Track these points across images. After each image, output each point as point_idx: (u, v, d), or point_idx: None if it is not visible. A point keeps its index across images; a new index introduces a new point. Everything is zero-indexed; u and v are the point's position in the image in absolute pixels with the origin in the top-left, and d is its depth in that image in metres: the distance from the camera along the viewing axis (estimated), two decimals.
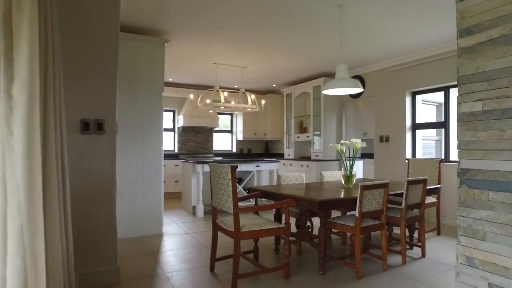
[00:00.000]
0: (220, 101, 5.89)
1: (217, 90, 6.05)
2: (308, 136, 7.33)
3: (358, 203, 2.92)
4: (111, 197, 2.75)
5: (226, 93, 5.78)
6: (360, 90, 3.69)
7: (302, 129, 7.74)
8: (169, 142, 8.24)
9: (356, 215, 2.93)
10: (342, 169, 3.79)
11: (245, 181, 5.96)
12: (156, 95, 4.37)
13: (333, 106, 7.05)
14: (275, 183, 6.23)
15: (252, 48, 5.30)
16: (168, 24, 4.28)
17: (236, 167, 2.72)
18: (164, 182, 6.99)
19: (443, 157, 5.39)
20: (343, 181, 3.77)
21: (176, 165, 7.53)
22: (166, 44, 4.46)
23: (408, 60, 5.68)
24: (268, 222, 2.92)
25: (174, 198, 7.41)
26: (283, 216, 2.98)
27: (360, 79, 6.60)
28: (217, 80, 6.41)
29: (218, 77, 6.58)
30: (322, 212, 2.89)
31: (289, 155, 7.88)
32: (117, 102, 2.77)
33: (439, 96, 6.50)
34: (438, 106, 7.44)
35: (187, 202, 5.93)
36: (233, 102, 6.19)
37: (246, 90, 6.70)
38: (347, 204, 3.03)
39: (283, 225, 2.92)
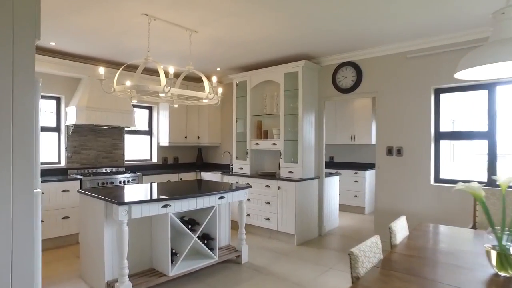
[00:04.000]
0: (159, 84, 3.25)
1: (149, 62, 3.37)
2: (274, 144, 5.14)
3: None
4: None
5: (172, 69, 3.16)
6: None
7: (262, 133, 5.52)
8: (52, 150, 5.04)
9: None
10: (489, 234, 1.75)
11: (203, 225, 3.45)
12: (17, 58, 1.60)
13: (311, 103, 5.03)
14: (243, 219, 3.92)
15: None
16: None
17: None
18: (42, 221, 4.08)
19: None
20: (493, 262, 1.74)
21: (64, 191, 4.46)
22: None
23: (437, 44, 4.02)
24: None
25: (62, 248, 4.36)
26: None
27: (354, 68, 4.73)
28: (149, 48, 3.71)
29: (148, 45, 3.87)
30: None
31: (241, 169, 5.57)
32: None
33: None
34: None
35: (95, 271, 3.13)
36: (170, 89, 3.58)
37: (176, 73, 4.12)
38: None
39: None
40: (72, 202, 4.48)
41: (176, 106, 4.06)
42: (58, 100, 5.13)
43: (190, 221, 3.48)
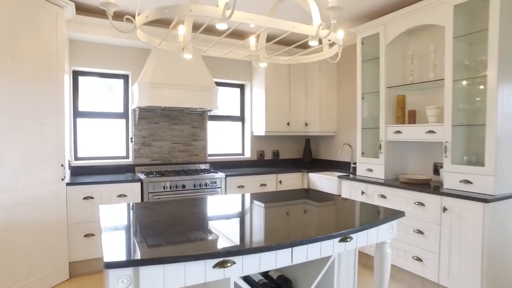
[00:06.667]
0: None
1: None
2: (432, 132, 3.03)
3: None
4: None
5: None
6: None
7: (407, 115, 3.45)
8: (120, 141, 3.99)
9: None
10: None
11: None
12: None
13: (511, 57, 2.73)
14: (386, 276, 2.01)
15: None
16: None
17: None
18: (93, 235, 2.90)
19: None
20: None
21: (120, 196, 3.28)
22: None
23: None
24: None
25: None
26: None
27: None
28: None
29: None
30: None
31: (370, 170, 3.60)
32: None
33: None
34: None
35: None
36: (232, 11, 1.94)
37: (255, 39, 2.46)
38: None
39: None
40: None
41: (262, 65, 2.38)
42: (126, 78, 4.03)
43: (279, 281, 1.77)
